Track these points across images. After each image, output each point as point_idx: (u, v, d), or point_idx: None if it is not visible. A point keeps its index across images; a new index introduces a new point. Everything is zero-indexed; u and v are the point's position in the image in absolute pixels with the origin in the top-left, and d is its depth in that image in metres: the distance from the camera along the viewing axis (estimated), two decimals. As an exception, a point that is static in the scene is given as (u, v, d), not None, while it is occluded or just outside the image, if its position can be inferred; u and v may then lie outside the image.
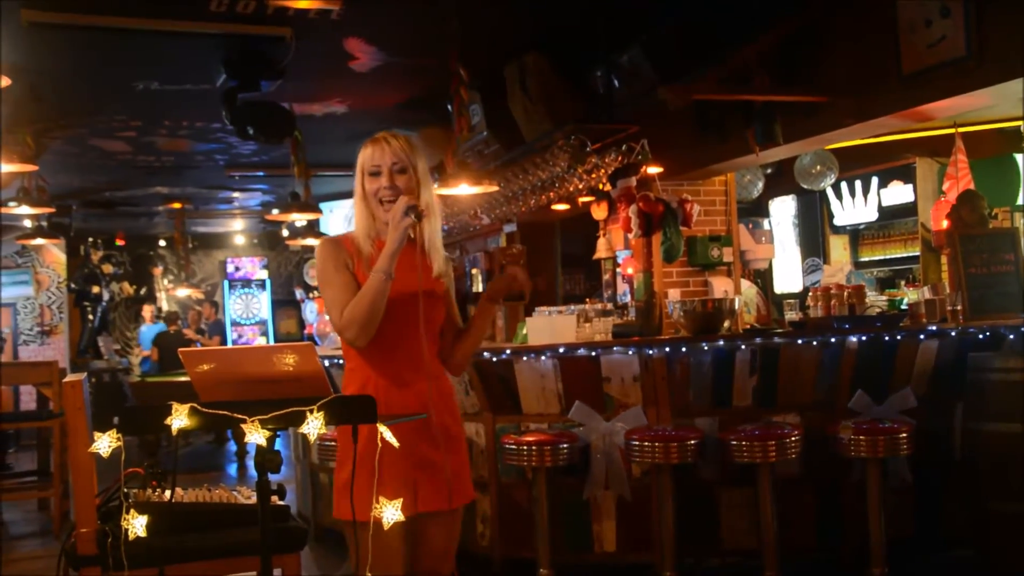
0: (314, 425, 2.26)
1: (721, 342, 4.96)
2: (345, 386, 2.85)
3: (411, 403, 2.75)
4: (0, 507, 7.53)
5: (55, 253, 14.71)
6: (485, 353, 5.15)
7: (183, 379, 9.18)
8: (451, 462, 2.81)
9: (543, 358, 5.02)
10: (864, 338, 5.00)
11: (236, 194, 13.16)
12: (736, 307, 5.41)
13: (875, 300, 6.96)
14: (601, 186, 6.83)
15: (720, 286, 6.92)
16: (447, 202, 8.48)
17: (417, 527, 2.78)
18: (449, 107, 6.66)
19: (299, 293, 17.31)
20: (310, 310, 15.84)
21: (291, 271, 18.36)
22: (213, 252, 18.09)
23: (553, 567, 4.78)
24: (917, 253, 8.53)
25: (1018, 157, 7.72)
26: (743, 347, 4.93)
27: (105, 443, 2.31)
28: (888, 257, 9.29)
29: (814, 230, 9.86)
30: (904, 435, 4.59)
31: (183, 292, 16.31)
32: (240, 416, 2.27)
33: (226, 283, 18.03)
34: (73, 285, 15.12)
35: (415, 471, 2.74)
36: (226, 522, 3.24)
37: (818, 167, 8.26)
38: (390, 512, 2.36)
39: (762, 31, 5.56)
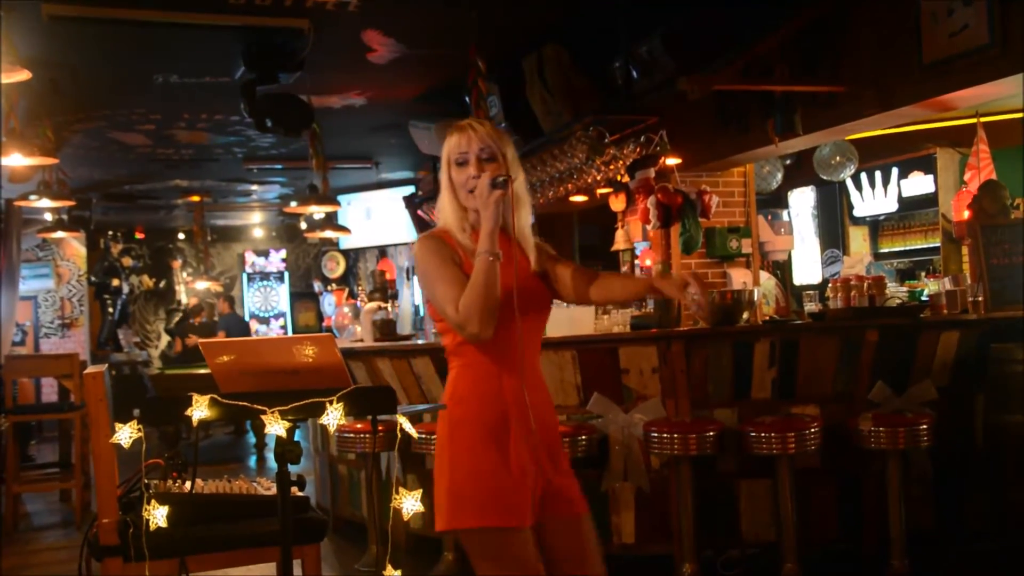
0: (334, 416, 2.27)
1: (740, 334, 4.95)
2: (455, 383, 2.62)
3: (533, 401, 2.58)
4: (22, 498, 7.59)
5: (75, 246, 14.81)
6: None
7: (203, 371, 9.24)
8: (563, 466, 2.67)
9: (561, 350, 5.02)
10: (884, 329, 4.97)
11: (254, 187, 13.21)
12: (755, 299, 5.38)
13: (895, 291, 6.90)
14: (619, 177, 6.81)
15: (739, 277, 6.90)
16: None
17: (545, 536, 2.61)
18: (467, 99, 6.66)
19: (317, 286, 17.34)
20: (328, 302, 15.86)
21: (309, 264, 18.40)
22: (232, 245, 18.15)
23: (572, 559, 4.77)
24: (938, 244, 8.48)
25: (1041, 147, 7.65)
26: (762, 339, 4.91)
27: (127, 434, 2.33)
28: (908, 248, 9.23)
29: (833, 221, 9.81)
30: (925, 427, 4.56)
31: (202, 285, 16.38)
32: (260, 407, 2.28)
33: (244, 276, 18.08)
34: (93, 278, 15.22)
35: (540, 476, 2.59)
36: (246, 513, 3.24)
37: (838, 158, 8.22)
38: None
39: (782, 21, 5.53)
